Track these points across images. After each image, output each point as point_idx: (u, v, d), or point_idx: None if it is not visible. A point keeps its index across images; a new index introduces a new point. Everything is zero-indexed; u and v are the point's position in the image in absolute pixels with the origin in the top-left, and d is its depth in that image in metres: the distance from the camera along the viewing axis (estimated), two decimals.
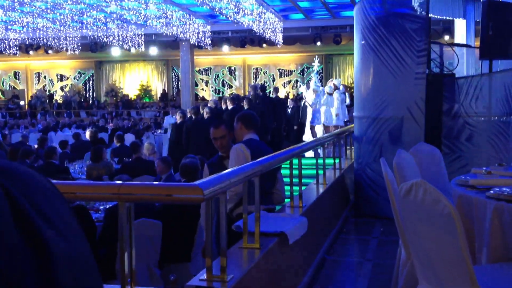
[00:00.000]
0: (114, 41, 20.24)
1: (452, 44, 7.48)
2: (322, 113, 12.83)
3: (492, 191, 3.14)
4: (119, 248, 2.46)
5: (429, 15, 6.75)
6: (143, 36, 20.43)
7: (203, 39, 20.18)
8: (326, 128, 12.65)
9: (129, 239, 2.42)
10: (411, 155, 4.46)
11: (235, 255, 3.33)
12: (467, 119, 6.00)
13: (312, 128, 13.05)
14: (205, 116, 10.68)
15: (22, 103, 25.12)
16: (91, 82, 27.32)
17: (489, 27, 6.07)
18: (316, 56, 16.13)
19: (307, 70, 24.81)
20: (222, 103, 11.68)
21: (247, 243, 3.42)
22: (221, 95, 24.42)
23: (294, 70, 25.05)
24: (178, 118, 10.85)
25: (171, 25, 19.23)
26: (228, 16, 18.00)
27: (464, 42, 9.52)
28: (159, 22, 19.06)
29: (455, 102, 6.11)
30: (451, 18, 11.69)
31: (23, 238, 0.45)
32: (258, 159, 3.76)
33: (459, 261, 2.64)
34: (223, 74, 26.01)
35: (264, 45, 21.21)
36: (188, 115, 10.54)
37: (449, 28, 13.37)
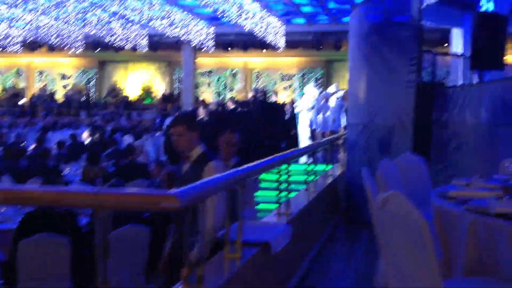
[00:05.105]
0: (117, 40, 20.33)
1: (444, 54, 7.52)
2: (319, 118, 12.90)
3: (469, 204, 3.16)
4: (96, 257, 2.47)
5: (422, 23, 6.77)
6: (146, 37, 20.51)
7: (205, 41, 20.25)
8: (322, 134, 12.70)
9: (105, 247, 2.44)
10: (397, 164, 4.50)
11: (216, 265, 3.35)
12: (455, 129, 6.04)
13: (312, 132, 13.11)
14: (204, 118, 10.74)
15: (23, 101, 25.18)
16: (93, 81, 27.40)
17: (481, 38, 6.11)
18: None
19: (308, 75, 24.84)
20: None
21: (228, 252, 3.43)
22: (222, 97, 24.47)
23: (296, 75, 25.08)
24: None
25: (174, 26, 19.30)
26: (231, 18, 18.07)
27: (461, 51, 9.54)
28: (162, 23, 19.14)
29: (444, 112, 6.14)
30: (448, 28, 11.69)
31: None
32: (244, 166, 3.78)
33: (429, 275, 2.67)
34: (225, 76, 26.07)
35: (266, 49, 21.26)
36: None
37: (446, 37, 13.38)
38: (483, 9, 8.04)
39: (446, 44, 14.38)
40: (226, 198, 3.43)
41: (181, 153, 3.78)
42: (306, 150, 6.45)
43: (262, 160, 4.15)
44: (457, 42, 10.07)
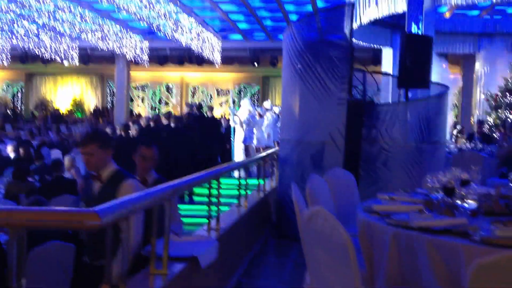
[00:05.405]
0: (46, 53, 19.66)
1: (374, 72, 7.76)
2: (254, 133, 13.00)
3: (392, 218, 3.23)
4: (8, 279, 2.34)
5: (354, 43, 6.97)
6: (77, 50, 19.99)
7: (140, 55, 19.98)
8: (256, 149, 12.79)
9: (19, 267, 2.31)
10: (326, 179, 4.56)
11: (141, 282, 3.26)
12: (383, 145, 6.23)
13: (246, 148, 13.17)
14: (135, 133, 10.58)
15: None
16: (20, 94, 26.38)
17: (408, 58, 6.35)
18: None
19: (244, 91, 24.99)
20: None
21: (154, 268, 3.34)
22: (157, 112, 24.16)
23: (232, 90, 25.17)
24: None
25: (108, 39, 18.91)
26: (166, 33, 17.92)
27: (391, 70, 9.88)
28: (95, 36, 18.70)
29: (373, 128, 6.33)
30: (379, 47, 12.12)
31: None
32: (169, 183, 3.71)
33: None
34: (160, 91, 25.79)
35: (203, 64, 21.23)
36: (118, 132, 10.36)
37: (378, 56, 13.85)
38: (412, 30, 8.39)
39: (378, 63, 14.85)
40: (143, 213, 3.35)
41: (93, 172, 3.67)
42: (239, 165, 6.45)
43: (191, 176, 4.10)
44: (387, 61, 10.42)
